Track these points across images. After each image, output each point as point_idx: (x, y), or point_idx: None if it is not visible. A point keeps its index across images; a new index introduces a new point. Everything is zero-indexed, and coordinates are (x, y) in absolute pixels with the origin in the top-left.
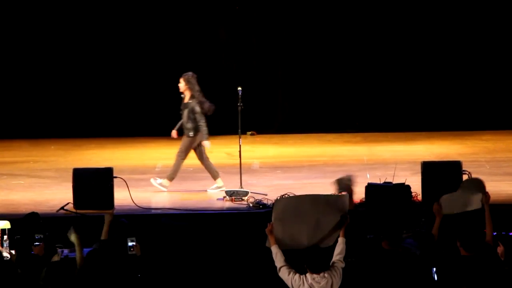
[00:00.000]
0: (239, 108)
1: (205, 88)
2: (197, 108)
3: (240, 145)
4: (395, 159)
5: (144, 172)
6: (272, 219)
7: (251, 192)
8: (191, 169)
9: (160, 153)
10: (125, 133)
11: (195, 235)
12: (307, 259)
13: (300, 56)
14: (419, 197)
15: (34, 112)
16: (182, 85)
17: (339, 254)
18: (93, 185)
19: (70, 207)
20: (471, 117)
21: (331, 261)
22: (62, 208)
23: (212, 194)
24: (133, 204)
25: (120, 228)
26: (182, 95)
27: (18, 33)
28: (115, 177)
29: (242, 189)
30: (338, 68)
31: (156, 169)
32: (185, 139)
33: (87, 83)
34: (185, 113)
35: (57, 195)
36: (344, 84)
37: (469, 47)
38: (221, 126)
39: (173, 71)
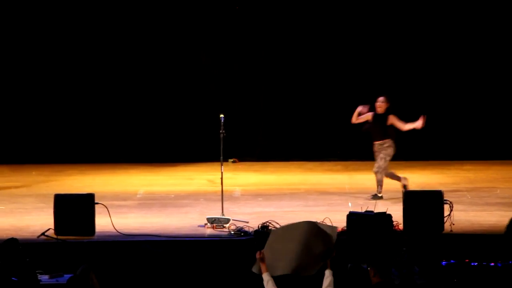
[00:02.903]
0: (221, 135)
1: (188, 114)
2: None
3: (222, 172)
4: (376, 188)
5: (126, 199)
6: (265, 246)
7: (232, 220)
8: (173, 195)
9: (142, 180)
10: (106, 159)
11: (176, 262)
12: None
13: (282, 85)
14: (401, 226)
15: (16, 138)
16: None
17: (328, 286)
18: (75, 211)
19: (51, 233)
20: (451, 147)
21: None
22: (43, 234)
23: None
24: (114, 231)
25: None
26: None
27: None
28: (97, 203)
29: (223, 216)
30: (320, 96)
31: (138, 196)
32: None
33: (68, 109)
34: None
35: (38, 221)
36: (326, 113)
37: (448, 79)
38: (203, 153)
39: (155, 97)
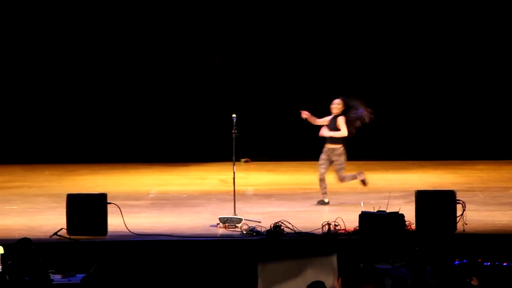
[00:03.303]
0: (234, 135)
1: (200, 114)
2: None
3: (234, 172)
4: (388, 188)
5: (138, 198)
6: (260, 285)
7: (244, 219)
8: (185, 195)
9: (154, 179)
10: (118, 159)
11: (188, 262)
12: None
13: (294, 84)
14: (413, 226)
15: (28, 137)
16: None
17: None
18: (87, 211)
19: (64, 232)
20: (464, 146)
21: None
22: (55, 233)
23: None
24: (127, 230)
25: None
26: None
27: (9, 57)
28: (109, 203)
29: (235, 216)
30: (332, 96)
31: (150, 195)
32: None
33: (80, 109)
34: None
35: (51, 220)
36: None
37: (461, 77)
38: (215, 153)
39: (168, 97)
